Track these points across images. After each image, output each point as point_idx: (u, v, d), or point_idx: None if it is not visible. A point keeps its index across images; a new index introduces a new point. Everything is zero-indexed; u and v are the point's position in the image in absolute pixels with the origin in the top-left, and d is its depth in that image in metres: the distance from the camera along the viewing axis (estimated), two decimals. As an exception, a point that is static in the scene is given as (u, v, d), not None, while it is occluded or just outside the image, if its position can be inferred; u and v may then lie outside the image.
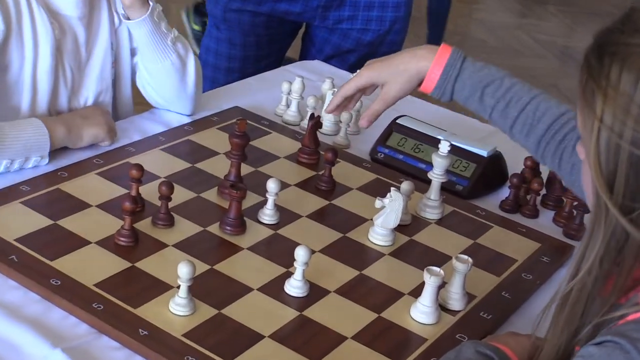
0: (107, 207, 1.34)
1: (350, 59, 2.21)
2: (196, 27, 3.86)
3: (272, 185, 1.36)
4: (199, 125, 1.65)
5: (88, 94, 1.57)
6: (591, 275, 0.88)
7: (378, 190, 1.48)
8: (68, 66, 1.52)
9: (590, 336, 0.89)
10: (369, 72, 1.38)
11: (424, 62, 1.33)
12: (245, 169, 1.48)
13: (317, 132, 1.60)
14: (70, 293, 1.14)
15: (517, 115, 1.29)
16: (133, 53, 1.64)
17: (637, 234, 0.84)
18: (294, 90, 1.75)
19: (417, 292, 1.23)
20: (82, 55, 1.55)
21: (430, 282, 1.18)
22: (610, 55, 0.86)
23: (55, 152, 1.47)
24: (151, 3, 1.55)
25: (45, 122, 1.43)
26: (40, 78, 1.48)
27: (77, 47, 1.54)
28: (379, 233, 1.37)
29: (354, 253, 1.34)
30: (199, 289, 1.17)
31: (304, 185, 1.51)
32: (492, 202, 1.56)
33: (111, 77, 1.61)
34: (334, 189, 1.50)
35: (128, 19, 1.55)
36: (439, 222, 1.46)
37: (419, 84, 1.34)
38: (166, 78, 1.61)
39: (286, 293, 1.21)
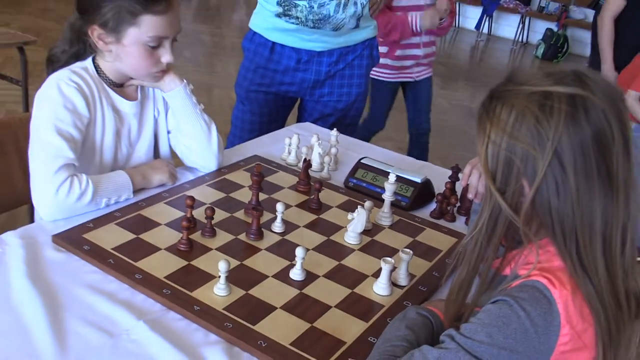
0: (172, 225, 1.34)
1: (330, 120, 2.22)
2: None
3: (280, 207, 1.35)
4: (231, 168, 1.64)
5: (140, 162, 1.53)
6: (481, 233, 0.90)
7: (350, 207, 1.48)
8: (123, 145, 1.50)
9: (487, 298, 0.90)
10: (471, 164, 1.33)
11: None
12: (262, 196, 1.47)
13: (309, 171, 1.60)
14: (148, 283, 1.14)
15: None
16: (169, 132, 1.59)
17: (505, 206, 0.86)
18: (293, 143, 1.75)
19: (377, 274, 1.22)
20: (133, 138, 1.52)
21: (385, 268, 1.18)
22: (496, 98, 0.88)
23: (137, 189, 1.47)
24: (184, 80, 1.52)
25: (128, 173, 1.42)
26: (105, 150, 1.46)
27: (130, 133, 1.51)
28: (351, 236, 1.36)
29: (335, 250, 1.33)
30: (233, 277, 1.16)
31: (301, 205, 1.50)
32: (424, 212, 1.56)
33: (153, 150, 1.58)
34: (320, 207, 1.49)
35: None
36: (390, 227, 1.45)
37: None
38: (197, 137, 1.54)
39: (291, 278, 1.20)
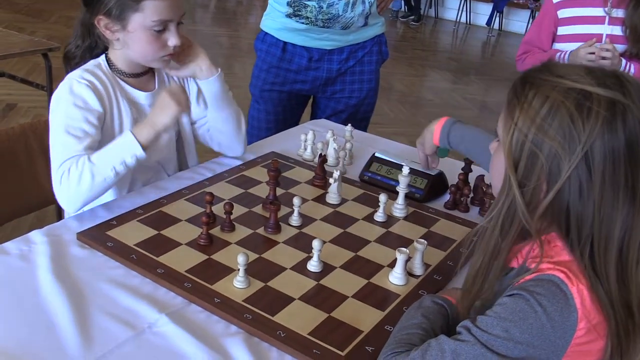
0: (192, 220, 1.33)
1: (343, 116, 2.21)
2: None
3: (296, 201, 1.35)
4: (248, 164, 1.64)
5: (159, 155, 1.53)
6: (497, 226, 0.85)
7: (365, 200, 1.47)
8: None
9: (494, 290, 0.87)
10: (418, 142, 1.52)
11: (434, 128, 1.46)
12: (279, 191, 1.47)
13: (325, 165, 1.59)
14: (170, 277, 1.14)
15: (483, 150, 1.28)
16: (192, 122, 1.58)
17: (521, 202, 0.82)
18: (308, 139, 1.74)
19: (392, 264, 1.21)
20: None
21: (401, 258, 1.17)
22: (530, 83, 0.83)
23: (158, 185, 1.46)
24: (219, 68, 1.52)
25: (132, 130, 1.35)
26: None
27: None
28: (332, 197, 1.40)
29: (351, 241, 1.32)
30: (252, 270, 1.16)
31: (317, 199, 1.49)
32: (438, 204, 1.54)
33: (174, 142, 1.57)
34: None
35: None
36: (405, 218, 1.44)
37: None
38: (229, 122, 1.55)
39: (308, 270, 1.20)
